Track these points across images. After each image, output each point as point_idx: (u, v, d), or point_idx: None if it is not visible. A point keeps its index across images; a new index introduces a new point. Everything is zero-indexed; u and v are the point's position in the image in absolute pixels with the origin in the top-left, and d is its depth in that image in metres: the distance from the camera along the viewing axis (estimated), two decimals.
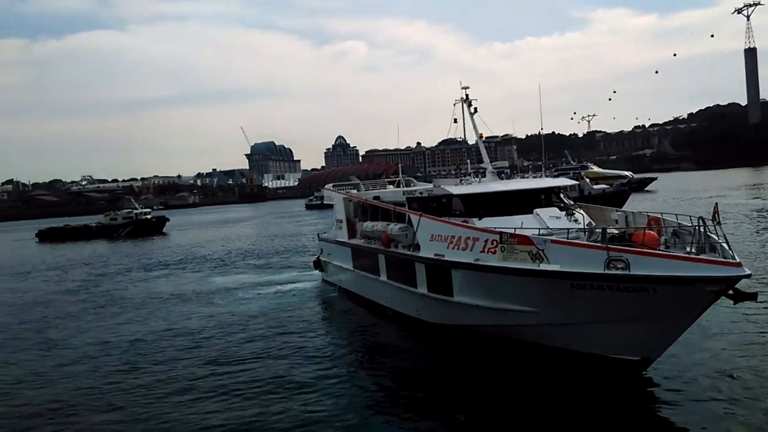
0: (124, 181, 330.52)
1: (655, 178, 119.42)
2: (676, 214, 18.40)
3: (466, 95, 25.28)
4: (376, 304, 26.06)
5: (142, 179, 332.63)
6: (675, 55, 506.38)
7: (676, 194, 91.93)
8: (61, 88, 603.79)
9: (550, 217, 19.57)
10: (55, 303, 36.08)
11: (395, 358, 20.30)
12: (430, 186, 25.03)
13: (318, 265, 35.26)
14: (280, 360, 20.73)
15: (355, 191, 33.56)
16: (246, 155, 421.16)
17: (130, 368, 20.99)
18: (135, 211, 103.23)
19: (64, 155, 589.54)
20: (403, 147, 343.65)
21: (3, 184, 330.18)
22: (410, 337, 22.19)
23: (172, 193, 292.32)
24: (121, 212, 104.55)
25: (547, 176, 29.15)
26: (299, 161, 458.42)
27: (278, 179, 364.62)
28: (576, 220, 19.89)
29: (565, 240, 16.27)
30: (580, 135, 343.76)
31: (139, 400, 17.70)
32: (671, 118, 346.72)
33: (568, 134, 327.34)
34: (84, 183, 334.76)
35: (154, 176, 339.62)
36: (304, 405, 16.36)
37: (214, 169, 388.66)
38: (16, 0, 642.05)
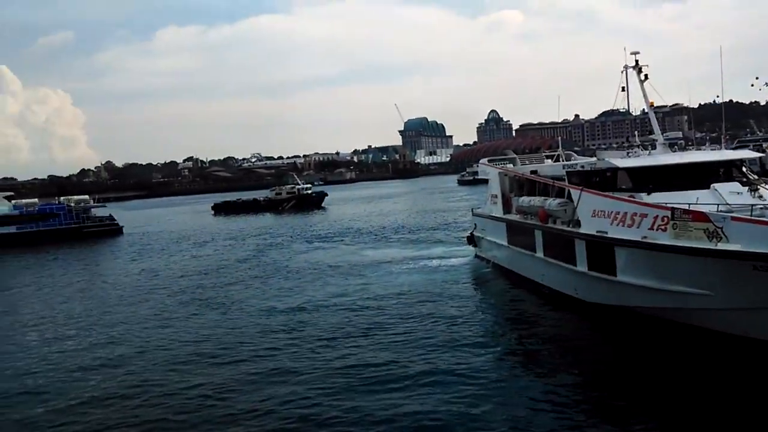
0: (288, 158, 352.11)
1: None
2: None
3: (636, 61, 23.58)
4: (532, 281, 25.48)
5: (304, 156, 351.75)
6: None
7: None
8: (233, 71, 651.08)
9: (730, 192, 17.94)
10: (228, 270, 39.30)
11: (551, 335, 19.88)
12: (592, 159, 23.83)
13: (471, 240, 35.13)
14: (435, 326, 21.33)
15: (511, 166, 32.85)
16: (399, 131, 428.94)
17: (295, 330, 22.51)
18: (297, 186, 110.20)
19: (236, 134, 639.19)
20: (559, 120, 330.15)
21: (184, 161, 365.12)
22: (568, 315, 21.47)
23: (331, 169, 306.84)
24: (285, 187, 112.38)
25: (726, 149, 26.60)
26: (451, 137, 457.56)
27: (430, 155, 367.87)
28: (761, 197, 18.09)
29: (748, 217, 14.86)
30: (763, 103, 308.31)
31: (305, 354, 19.29)
32: None
33: (748, 102, 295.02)
34: (253, 160, 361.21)
35: (315, 153, 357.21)
36: (463, 364, 17.14)
37: (369, 146, 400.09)
38: None
